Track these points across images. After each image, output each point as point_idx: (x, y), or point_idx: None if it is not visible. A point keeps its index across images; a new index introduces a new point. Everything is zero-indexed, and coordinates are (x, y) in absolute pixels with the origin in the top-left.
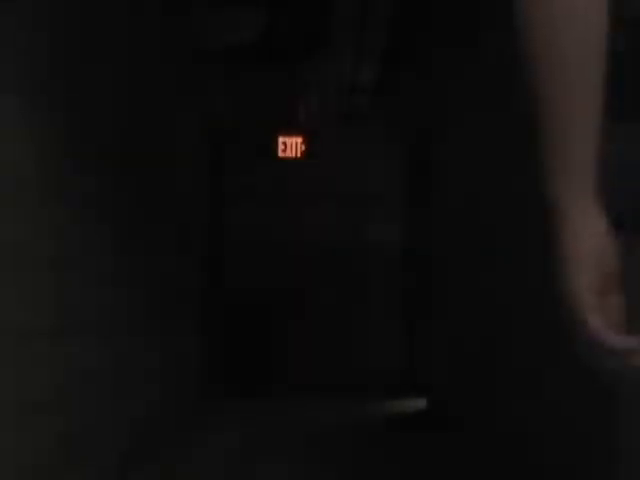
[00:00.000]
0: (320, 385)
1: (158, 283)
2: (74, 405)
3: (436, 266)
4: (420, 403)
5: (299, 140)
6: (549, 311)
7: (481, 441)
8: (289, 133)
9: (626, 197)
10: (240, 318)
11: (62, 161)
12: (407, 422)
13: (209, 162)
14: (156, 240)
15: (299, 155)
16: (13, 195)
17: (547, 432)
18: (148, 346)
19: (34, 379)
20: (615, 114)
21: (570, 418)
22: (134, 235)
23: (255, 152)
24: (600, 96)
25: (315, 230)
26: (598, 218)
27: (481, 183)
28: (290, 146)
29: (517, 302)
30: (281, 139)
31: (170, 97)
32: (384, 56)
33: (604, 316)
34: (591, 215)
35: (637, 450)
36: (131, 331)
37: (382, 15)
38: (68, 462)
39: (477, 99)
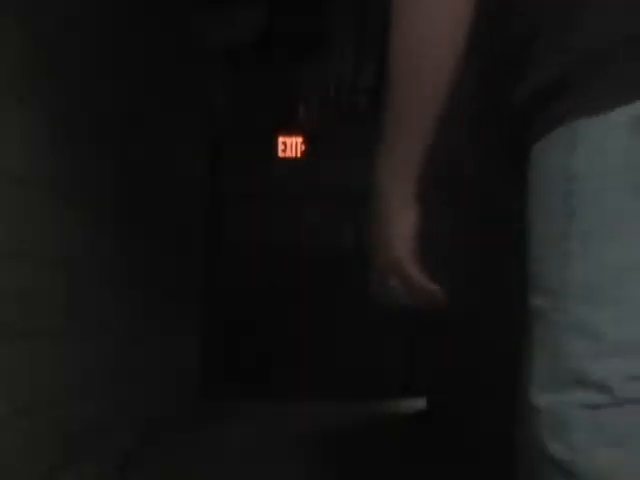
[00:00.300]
0: (320, 385)
1: (158, 283)
2: (74, 405)
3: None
4: (420, 403)
5: (299, 140)
6: None
7: (481, 442)
8: (289, 133)
9: None
10: (240, 318)
11: (62, 161)
12: (407, 422)
13: (209, 162)
14: (156, 240)
15: (299, 155)
16: (13, 195)
17: None
18: (148, 346)
19: (33, 379)
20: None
21: None
22: (134, 235)
23: (255, 152)
24: (434, 110)
25: (315, 230)
26: (413, 200)
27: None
28: (290, 146)
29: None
30: (281, 139)
31: (170, 97)
32: (384, 56)
33: (416, 268)
34: (407, 198)
35: None
36: (131, 331)
37: (382, 15)
38: (68, 462)
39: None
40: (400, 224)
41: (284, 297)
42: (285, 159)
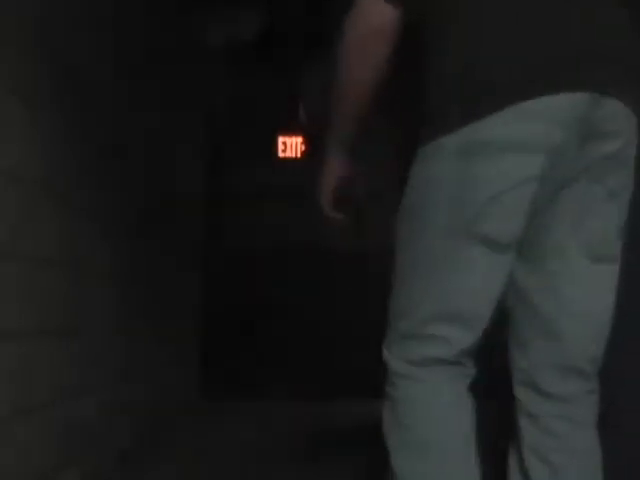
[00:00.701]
0: (320, 386)
1: (157, 282)
2: (74, 405)
3: None
4: None
5: (299, 140)
6: None
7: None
8: (289, 133)
9: None
10: (240, 318)
11: (62, 161)
12: None
13: (209, 162)
14: (156, 240)
15: (299, 155)
16: (13, 195)
17: None
18: (148, 346)
19: (33, 379)
20: None
21: None
22: (133, 235)
23: (255, 152)
24: (355, 110)
25: (315, 230)
26: (341, 160)
27: None
28: (290, 146)
29: None
30: (281, 139)
31: (170, 97)
32: None
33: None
34: (338, 157)
35: None
36: (131, 331)
37: None
38: (68, 462)
39: None
40: (330, 172)
41: (284, 297)
42: (285, 159)
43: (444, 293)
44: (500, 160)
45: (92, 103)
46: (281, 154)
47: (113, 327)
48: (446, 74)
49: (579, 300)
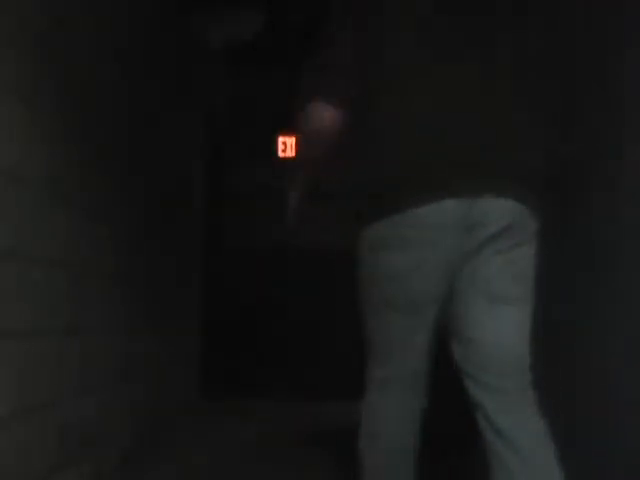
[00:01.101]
0: (320, 385)
1: (158, 282)
2: (74, 405)
3: None
4: None
5: None
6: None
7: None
8: (289, 133)
9: None
10: (240, 319)
11: (62, 161)
12: None
13: (209, 162)
14: (156, 240)
15: None
16: (13, 195)
17: None
18: (148, 346)
19: (34, 379)
20: None
21: None
22: (134, 235)
23: (255, 152)
24: (321, 151)
25: (315, 230)
26: (306, 179)
27: None
28: (290, 146)
29: None
30: (281, 139)
31: (170, 97)
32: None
33: (298, 204)
34: (306, 177)
35: None
36: (131, 331)
37: None
38: (67, 462)
39: None
40: (296, 194)
41: (284, 297)
42: (285, 159)
43: (380, 336)
44: (400, 252)
45: (92, 103)
46: (281, 154)
47: (113, 327)
48: (358, 181)
49: (480, 337)
